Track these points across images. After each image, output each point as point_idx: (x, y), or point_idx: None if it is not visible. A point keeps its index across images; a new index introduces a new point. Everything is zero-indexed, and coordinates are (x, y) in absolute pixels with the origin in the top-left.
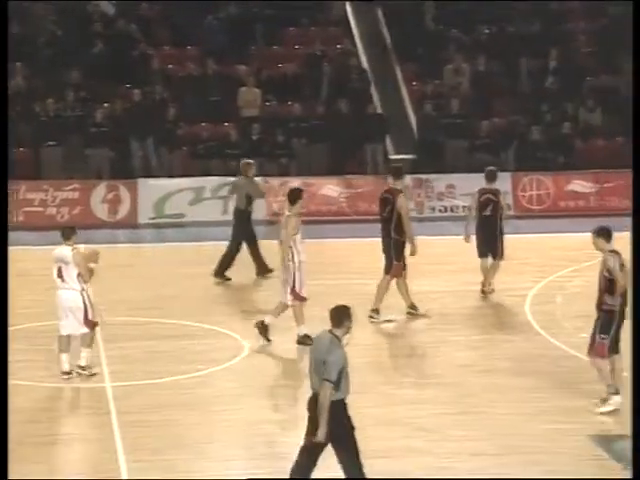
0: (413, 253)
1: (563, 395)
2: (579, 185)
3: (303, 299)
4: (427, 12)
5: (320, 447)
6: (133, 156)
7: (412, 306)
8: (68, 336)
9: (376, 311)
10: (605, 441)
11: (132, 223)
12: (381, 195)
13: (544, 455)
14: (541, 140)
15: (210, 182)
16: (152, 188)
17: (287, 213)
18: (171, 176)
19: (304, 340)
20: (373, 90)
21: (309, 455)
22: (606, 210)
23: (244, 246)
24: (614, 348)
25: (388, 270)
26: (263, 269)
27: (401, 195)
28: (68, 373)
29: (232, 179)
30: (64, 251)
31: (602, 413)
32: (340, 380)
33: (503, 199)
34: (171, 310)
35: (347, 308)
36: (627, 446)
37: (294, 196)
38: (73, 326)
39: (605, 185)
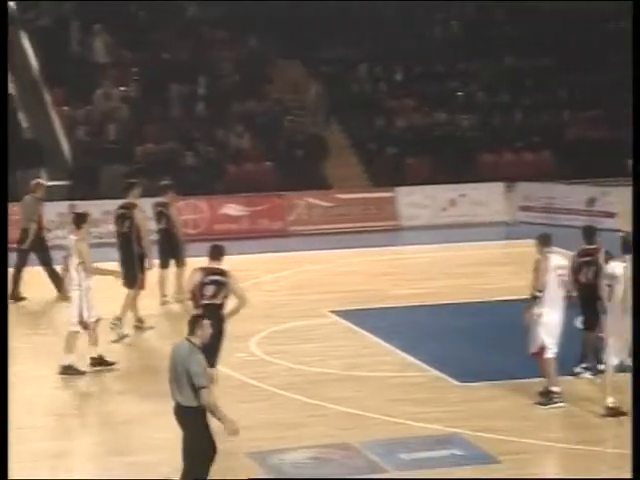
0: (151, 267)
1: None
2: (232, 208)
3: (88, 326)
4: (73, 37)
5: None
6: None
7: (140, 319)
8: None
9: (119, 319)
10: (259, 457)
11: None
12: (116, 211)
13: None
14: (195, 165)
15: None
16: None
17: (74, 238)
18: None
19: (67, 370)
20: (22, 116)
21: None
22: (258, 232)
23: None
24: (211, 362)
25: (132, 284)
26: (62, 290)
27: (137, 209)
28: None
29: None
30: None
31: None
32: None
33: (175, 214)
34: None
35: (197, 316)
36: (280, 459)
37: (80, 220)
38: None
39: (256, 208)
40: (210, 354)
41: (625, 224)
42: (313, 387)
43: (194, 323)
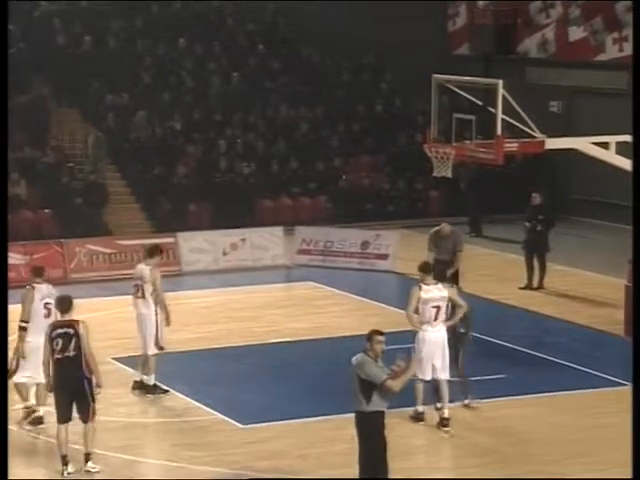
0: None
1: None
2: (10, 257)
3: (162, 349)
4: None
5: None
6: None
7: None
8: None
9: None
10: None
11: None
12: None
13: None
14: None
15: None
16: None
17: (148, 267)
18: None
19: (154, 390)
20: None
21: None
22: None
23: None
24: None
25: None
26: None
27: None
28: None
29: None
30: None
31: None
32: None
33: None
34: None
35: (373, 332)
36: None
37: (153, 251)
38: None
39: (35, 256)
40: None
41: (396, 265)
42: (97, 436)
43: (370, 337)
